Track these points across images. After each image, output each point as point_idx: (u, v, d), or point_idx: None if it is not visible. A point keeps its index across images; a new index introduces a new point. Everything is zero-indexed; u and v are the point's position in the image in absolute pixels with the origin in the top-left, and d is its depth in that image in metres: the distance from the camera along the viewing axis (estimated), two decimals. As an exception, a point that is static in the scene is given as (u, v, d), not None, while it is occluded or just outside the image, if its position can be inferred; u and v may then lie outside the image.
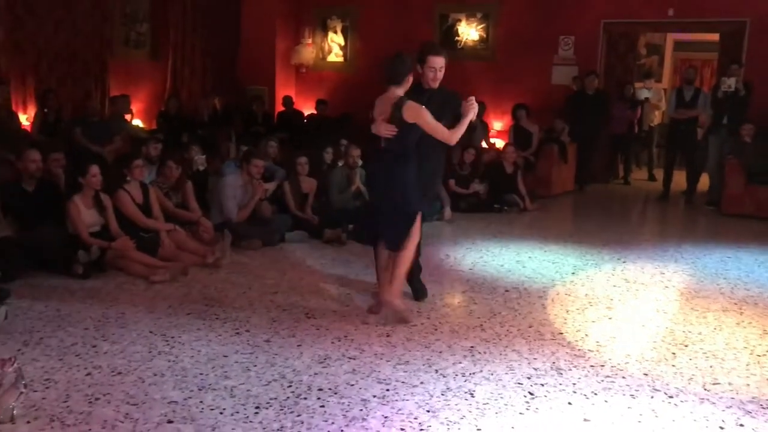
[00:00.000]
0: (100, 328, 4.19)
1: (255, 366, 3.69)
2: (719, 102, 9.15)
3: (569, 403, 3.39)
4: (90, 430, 2.97)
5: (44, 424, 3.01)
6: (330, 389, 3.44)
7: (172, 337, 4.07)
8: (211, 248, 5.80)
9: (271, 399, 3.31)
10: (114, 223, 5.63)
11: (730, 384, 3.67)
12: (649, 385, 3.62)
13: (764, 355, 4.12)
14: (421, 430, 3.08)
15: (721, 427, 3.20)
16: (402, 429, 3.08)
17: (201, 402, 3.26)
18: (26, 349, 3.82)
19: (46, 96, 8.72)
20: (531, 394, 3.48)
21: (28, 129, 8.57)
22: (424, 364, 3.79)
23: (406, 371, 3.69)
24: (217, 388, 3.41)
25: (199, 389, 3.40)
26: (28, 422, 3.01)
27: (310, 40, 12.49)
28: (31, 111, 8.92)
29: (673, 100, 9.72)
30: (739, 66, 9.22)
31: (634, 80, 11.51)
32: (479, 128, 9.59)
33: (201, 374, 3.57)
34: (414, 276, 4.83)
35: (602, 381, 3.66)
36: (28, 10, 8.92)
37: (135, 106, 10.31)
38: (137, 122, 10.30)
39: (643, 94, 11.85)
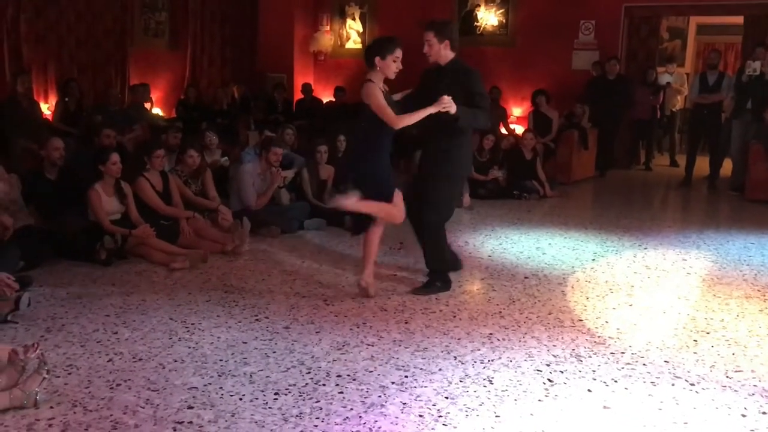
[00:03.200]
0: (121, 315, 4.23)
1: (274, 352, 3.71)
2: (743, 86, 9.01)
3: (589, 390, 3.37)
4: (111, 415, 3.01)
5: (66, 409, 3.04)
6: (348, 376, 3.45)
7: (192, 324, 4.10)
8: (230, 236, 5.83)
9: (290, 385, 3.33)
10: (134, 210, 5.67)
11: (752, 371, 3.63)
12: (670, 373, 3.59)
13: (788, 342, 4.06)
14: (440, 416, 3.08)
15: (743, 415, 3.16)
16: (420, 415, 3.08)
17: (221, 388, 3.29)
18: (49, 336, 3.87)
19: (68, 85, 8.80)
20: (550, 381, 3.46)
21: (49, 118, 8.66)
22: (442, 351, 3.79)
23: (424, 358, 3.69)
24: (236, 375, 3.43)
25: (219, 375, 3.42)
26: (51, 407, 3.05)
27: (328, 27, 12.46)
28: (52, 100, 9.01)
29: (697, 85, 9.59)
30: (765, 49, 9.05)
31: (657, 65, 11.36)
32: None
33: (221, 360, 3.59)
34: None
35: (622, 368, 3.63)
36: (50, 0, 8.98)
37: (154, 95, 10.37)
38: (157, 111, 10.37)
39: (666, 78, 11.68)
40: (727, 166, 9.67)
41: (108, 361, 3.55)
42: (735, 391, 3.40)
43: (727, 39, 14.04)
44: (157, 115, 10.16)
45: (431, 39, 4.55)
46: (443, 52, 4.58)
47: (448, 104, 4.33)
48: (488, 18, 11.30)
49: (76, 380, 3.32)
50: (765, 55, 8.93)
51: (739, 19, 11.02)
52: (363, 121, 4.50)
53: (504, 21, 11.27)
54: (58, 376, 3.34)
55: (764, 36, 9.80)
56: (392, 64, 4.42)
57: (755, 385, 3.46)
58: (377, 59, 4.40)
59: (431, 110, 4.37)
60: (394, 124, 4.39)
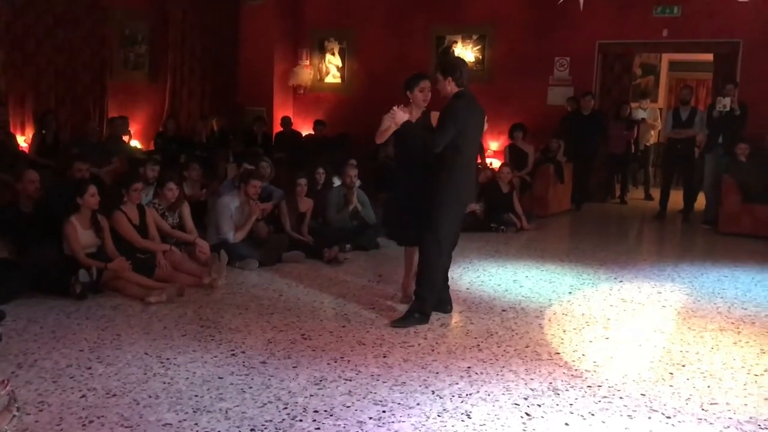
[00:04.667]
0: (95, 350, 4.17)
1: (250, 388, 3.68)
2: (715, 121, 9.20)
3: (566, 424, 3.37)
4: (83, 453, 2.95)
5: (37, 447, 2.99)
6: (326, 411, 3.42)
7: (168, 359, 4.06)
8: (207, 269, 5.79)
9: (266, 421, 3.29)
10: (110, 244, 5.62)
11: (727, 404, 3.66)
12: (646, 406, 3.60)
13: (762, 374, 4.10)
14: (417, 451, 3.06)
15: (719, 448, 3.18)
16: (398, 451, 3.06)
17: (196, 424, 3.24)
18: (20, 372, 3.80)
19: (45, 117, 8.75)
20: (528, 414, 3.46)
21: (26, 150, 8.60)
22: (420, 385, 3.78)
23: (402, 392, 3.68)
24: (212, 411, 3.39)
25: (194, 411, 3.38)
26: (21, 445, 2.99)
27: (307, 62, 12.58)
28: (30, 132, 8.95)
29: (670, 120, 9.77)
30: (734, 86, 9.29)
31: (630, 100, 11.59)
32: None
33: (196, 396, 3.55)
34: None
35: (599, 401, 3.64)
36: (28, 32, 8.98)
37: (133, 127, 10.35)
38: (135, 143, 10.33)
39: (639, 114, 11.91)
40: (700, 200, 9.83)
41: (81, 397, 3.49)
42: (710, 423, 3.42)
43: (699, 75, 14.39)
44: (136, 147, 10.13)
45: (438, 77, 4.97)
46: (448, 88, 4.95)
47: (393, 112, 4.75)
48: (465, 54, 11.47)
49: (47, 417, 3.26)
50: (734, 91, 9.16)
51: (709, 57, 11.29)
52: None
53: (481, 57, 11.45)
54: (29, 413, 3.27)
55: (733, 73, 10.05)
56: (419, 95, 5.08)
57: (730, 418, 3.49)
58: (408, 93, 5.10)
59: (393, 127, 4.85)
60: (376, 138, 5.09)
